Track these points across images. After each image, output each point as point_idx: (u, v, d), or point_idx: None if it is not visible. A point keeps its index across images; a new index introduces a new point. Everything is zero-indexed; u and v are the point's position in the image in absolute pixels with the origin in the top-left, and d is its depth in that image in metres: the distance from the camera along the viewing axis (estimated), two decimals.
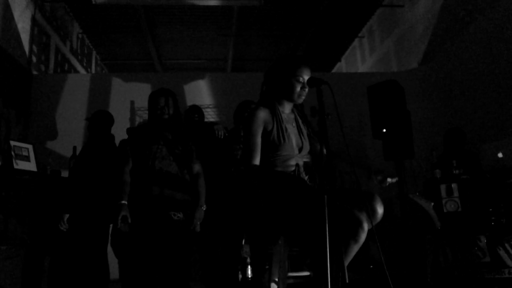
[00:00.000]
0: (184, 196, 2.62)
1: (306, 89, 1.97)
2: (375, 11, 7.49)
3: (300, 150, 1.99)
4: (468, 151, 4.09)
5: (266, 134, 1.92)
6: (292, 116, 2.06)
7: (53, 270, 3.15)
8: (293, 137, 1.98)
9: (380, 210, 1.76)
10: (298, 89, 1.95)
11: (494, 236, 3.03)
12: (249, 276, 2.97)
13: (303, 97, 2.00)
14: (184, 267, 2.61)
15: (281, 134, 1.93)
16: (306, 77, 1.95)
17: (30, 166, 3.23)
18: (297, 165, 1.95)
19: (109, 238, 3.23)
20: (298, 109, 2.10)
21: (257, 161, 1.89)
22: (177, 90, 3.01)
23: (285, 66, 1.98)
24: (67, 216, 2.93)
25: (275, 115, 1.96)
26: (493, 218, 3.14)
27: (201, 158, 2.77)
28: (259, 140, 1.90)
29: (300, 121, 2.08)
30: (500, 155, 3.34)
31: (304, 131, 2.06)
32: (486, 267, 2.97)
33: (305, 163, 2.00)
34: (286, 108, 2.03)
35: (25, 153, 3.24)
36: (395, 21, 7.09)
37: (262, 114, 1.93)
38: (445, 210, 3.29)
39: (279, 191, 1.83)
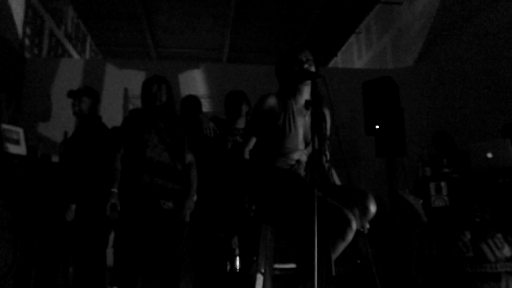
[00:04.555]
0: (175, 185, 2.62)
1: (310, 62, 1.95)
2: (373, 7, 7.48)
3: (307, 144, 1.96)
4: (459, 150, 4.14)
5: (273, 121, 1.91)
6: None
7: (43, 256, 3.13)
8: (301, 130, 1.95)
9: (372, 208, 1.76)
10: (304, 79, 1.92)
11: (478, 232, 3.08)
12: (237, 267, 2.99)
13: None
14: (173, 256, 2.61)
15: (287, 125, 1.90)
16: (305, 58, 1.94)
17: (20, 149, 3.19)
18: (298, 161, 1.94)
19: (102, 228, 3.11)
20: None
21: (249, 146, 1.91)
22: (171, 79, 2.97)
23: (286, 61, 1.98)
24: (74, 206, 2.78)
25: (286, 106, 1.93)
26: (478, 214, 3.19)
27: (193, 149, 2.76)
28: (257, 125, 1.92)
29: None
30: (489, 155, 3.37)
31: None
32: (469, 261, 3.02)
33: (307, 159, 1.98)
34: (304, 98, 1.98)
35: (15, 137, 3.20)
36: (393, 18, 7.09)
37: (271, 101, 1.92)
38: (433, 205, 3.33)
39: (270, 183, 1.83)
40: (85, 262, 2.82)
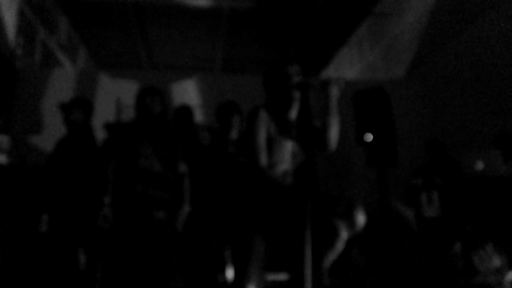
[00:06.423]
0: (168, 195, 2.61)
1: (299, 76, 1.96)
2: (365, 18, 7.58)
3: (294, 156, 1.98)
4: (451, 159, 4.17)
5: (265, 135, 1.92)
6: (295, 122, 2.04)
7: (31, 268, 3.07)
8: (289, 143, 1.97)
9: (361, 219, 1.76)
10: (294, 93, 1.94)
11: (469, 242, 3.10)
12: (229, 278, 2.97)
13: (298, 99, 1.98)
14: (164, 267, 2.59)
15: (276, 138, 1.92)
16: (294, 72, 1.96)
17: (7, 159, 3.17)
18: (284, 171, 1.95)
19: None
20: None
21: (264, 162, 1.87)
22: (164, 89, 2.98)
23: (275, 75, 2.00)
24: (46, 217, 2.77)
25: (275, 119, 1.96)
26: (469, 225, 3.21)
27: (186, 159, 2.75)
28: (263, 140, 1.90)
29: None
30: (480, 165, 3.41)
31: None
32: (459, 272, 3.03)
33: (293, 169, 2.00)
34: (291, 111, 2.01)
35: (3, 145, 3.17)
36: (384, 29, 7.18)
37: (264, 115, 1.93)
38: (425, 215, 3.35)
39: (260, 193, 1.83)
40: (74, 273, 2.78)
